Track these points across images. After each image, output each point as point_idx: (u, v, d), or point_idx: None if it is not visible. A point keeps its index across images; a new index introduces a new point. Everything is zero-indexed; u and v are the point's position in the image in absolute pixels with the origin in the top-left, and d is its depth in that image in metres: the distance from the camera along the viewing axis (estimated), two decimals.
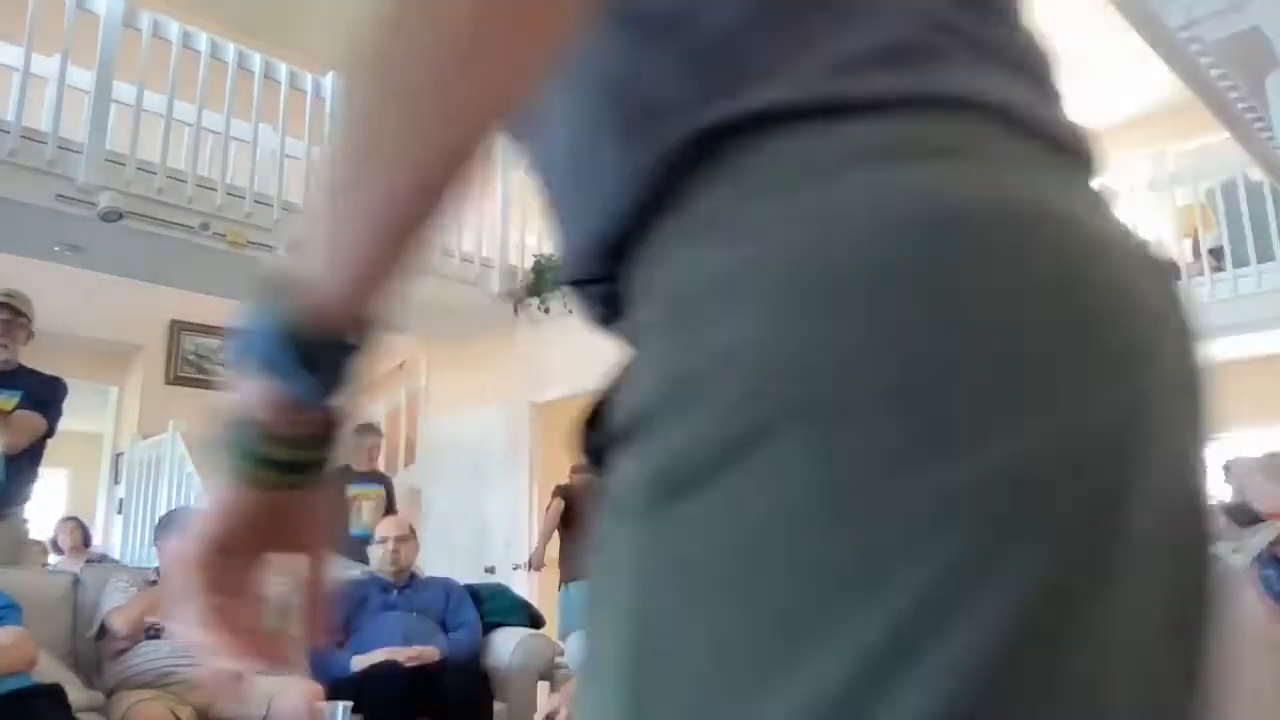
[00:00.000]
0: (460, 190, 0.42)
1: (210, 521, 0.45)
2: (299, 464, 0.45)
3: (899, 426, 0.36)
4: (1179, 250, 6.90)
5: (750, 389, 0.38)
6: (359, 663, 3.13)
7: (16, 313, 3.35)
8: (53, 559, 5.96)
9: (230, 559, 0.46)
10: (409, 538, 3.67)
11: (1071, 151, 0.46)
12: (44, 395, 3.27)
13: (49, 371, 3.40)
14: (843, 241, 0.39)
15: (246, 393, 0.44)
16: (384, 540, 3.60)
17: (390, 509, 5.18)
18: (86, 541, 5.97)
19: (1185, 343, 0.44)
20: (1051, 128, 0.45)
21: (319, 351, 0.43)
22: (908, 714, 0.34)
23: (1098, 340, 0.38)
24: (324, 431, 0.46)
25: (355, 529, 4.99)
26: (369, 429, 5.61)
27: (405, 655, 3.10)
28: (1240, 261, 6.27)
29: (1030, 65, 0.48)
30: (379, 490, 5.30)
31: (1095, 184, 0.48)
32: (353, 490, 5.23)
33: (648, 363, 0.43)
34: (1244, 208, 6.29)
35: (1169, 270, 0.47)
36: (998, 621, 0.35)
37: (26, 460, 3.28)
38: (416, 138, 0.40)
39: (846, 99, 0.41)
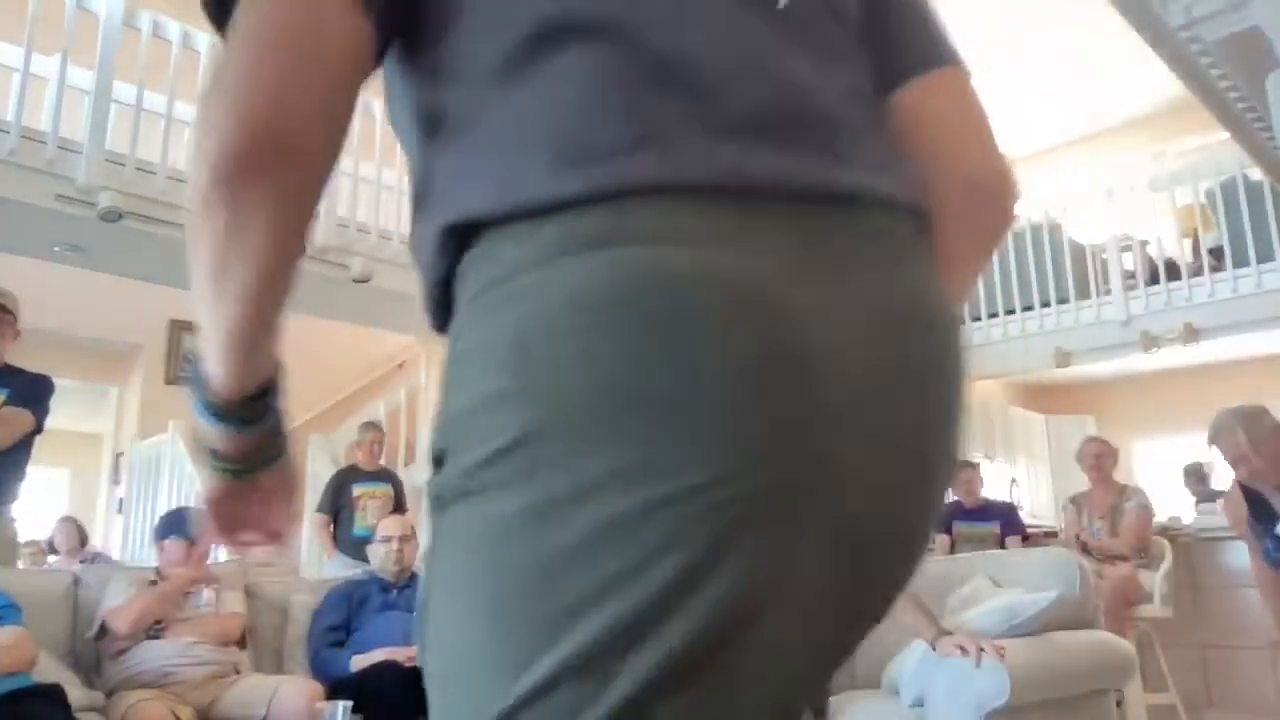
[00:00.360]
0: (274, 309, 0.60)
1: (209, 494, 0.71)
2: (244, 469, 0.69)
3: (571, 467, 0.49)
4: (1179, 250, 6.90)
5: (476, 436, 0.52)
6: (359, 662, 3.13)
7: (4, 310, 3.33)
8: (50, 559, 5.96)
9: (236, 502, 0.71)
10: (411, 537, 3.67)
11: (802, 201, 0.55)
12: (31, 393, 3.25)
13: (40, 370, 3.38)
14: (521, 325, 0.51)
15: (200, 429, 0.67)
16: (387, 539, 3.59)
17: (400, 507, 5.18)
18: (84, 542, 5.96)
19: (848, 385, 0.52)
20: (766, 187, 0.54)
21: (223, 413, 0.65)
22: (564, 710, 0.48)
23: (703, 392, 0.49)
24: (257, 447, 0.68)
25: (359, 528, 4.95)
26: (370, 426, 5.60)
27: (405, 655, 3.10)
28: (1240, 261, 6.27)
29: (769, 126, 0.56)
30: (386, 489, 5.28)
31: (818, 225, 0.56)
32: (358, 489, 5.21)
33: (438, 410, 0.57)
34: (1244, 208, 6.29)
35: (863, 321, 0.54)
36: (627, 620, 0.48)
37: (15, 459, 3.26)
38: (218, 292, 0.58)
39: (550, 201, 0.52)
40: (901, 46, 0.71)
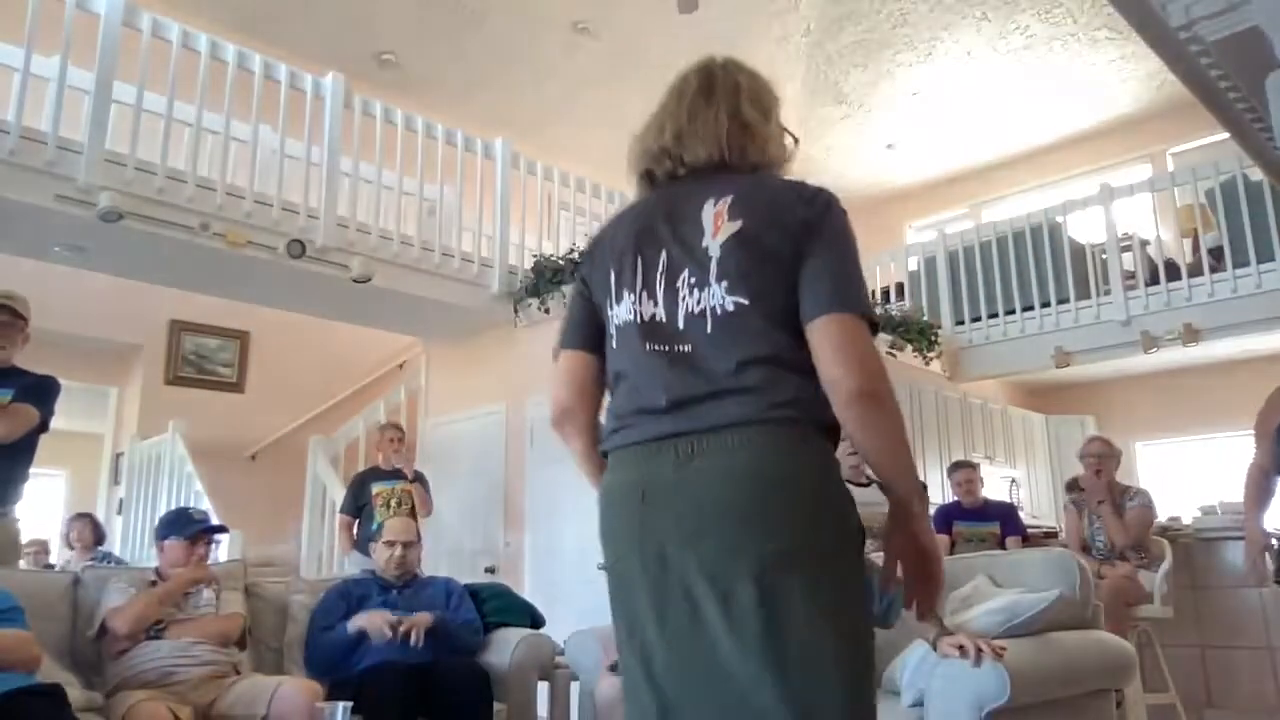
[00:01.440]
0: (594, 468, 1.52)
1: None
2: None
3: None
4: (1179, 250, 6.90)
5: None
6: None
7: (16, 315, 3.35)
8: (65, 555, 5.96)
9: None
10: (414, 543, 3.67)
11: (659, 439, 1.32)
12: (36, 393, 3.27)
13: (44, 371, 3.40)
14: (603, 493, 1.43)
15: None
16: (391, 544, 3.59)
17: (422, 504, 5.26)
18: (99, 538, 5.95)
19: (657, 519, 1.29)
20: (644, 440, 1.34)
21: None
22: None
23: (608, 521, 1.40)
24: None
25: (377, 525, 5.00)
26: (390, 427, 5.66)
27: (399, 626, 3.11)
28: (1240, 261, 6.27)
29: (663, 412, 1.32)
30: (404, 487, 5.32)
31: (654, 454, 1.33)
32: (376, 488, 5.26)
33: None
34: (1244, 208, 6.28)
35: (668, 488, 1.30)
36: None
37: (18, 459, 3.27)
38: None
39: (605, 449, 1.43)
40: (807, 300, 1.29)
